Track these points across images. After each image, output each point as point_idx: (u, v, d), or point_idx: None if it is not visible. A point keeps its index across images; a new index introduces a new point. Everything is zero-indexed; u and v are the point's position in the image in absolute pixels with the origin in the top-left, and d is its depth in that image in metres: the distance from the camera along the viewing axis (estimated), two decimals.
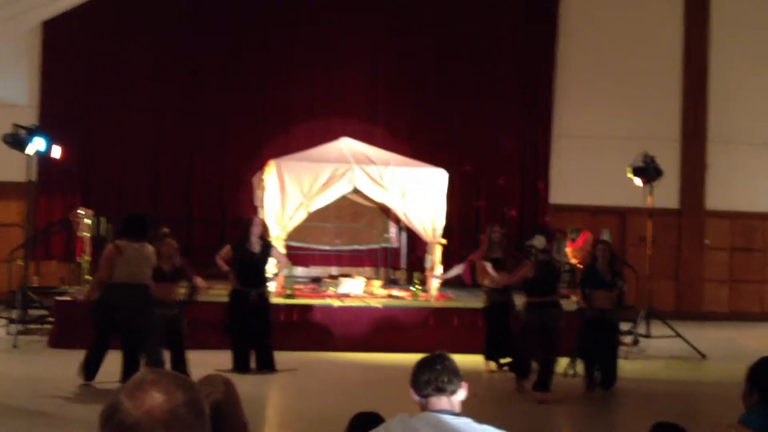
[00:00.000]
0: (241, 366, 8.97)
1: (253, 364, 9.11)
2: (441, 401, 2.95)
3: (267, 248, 9.44)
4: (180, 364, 8.40)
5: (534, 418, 7.84)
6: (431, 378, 2.96)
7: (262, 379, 8.69)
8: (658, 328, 12.22)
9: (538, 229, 9.77)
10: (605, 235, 16.51)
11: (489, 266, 9.41)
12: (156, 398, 1.57)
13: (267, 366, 9.16)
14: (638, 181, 12.82)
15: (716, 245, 17.34)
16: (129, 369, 7.70)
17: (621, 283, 8.98)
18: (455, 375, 3.00)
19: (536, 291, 8.68)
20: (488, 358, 9.84)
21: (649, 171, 12.56)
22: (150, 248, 8.27)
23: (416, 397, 3.03)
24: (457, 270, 10.46)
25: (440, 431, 2.83)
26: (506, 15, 16.95)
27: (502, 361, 9.70)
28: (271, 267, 10.06)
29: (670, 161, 15.64)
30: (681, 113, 17.41)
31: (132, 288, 7.99)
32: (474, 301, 11.73)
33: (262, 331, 9.22)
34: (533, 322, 8.59)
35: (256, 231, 9.25)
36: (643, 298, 12.92)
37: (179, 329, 8.55)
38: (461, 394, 3.02)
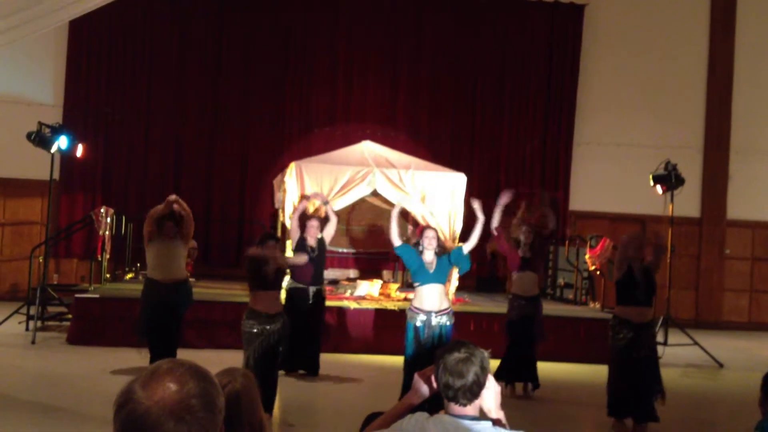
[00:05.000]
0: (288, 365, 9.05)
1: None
2: (464, 408, 2.88)
3: (323, 245, 9.51)
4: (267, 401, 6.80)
5: (548, 420, 7.82)
6: (455, 389, 2.84)
7: (280, 379, 8.74)
8: (676, 337, 12.15)
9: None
10: None
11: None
12: (168, 388, 1.57)
13: (312, 368, 9.19)
14: (659, 189, 12.75)
15: (736, 255, 17.21)
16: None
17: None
18: (481, 385, 2.85)
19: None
20: (508, 381, 8.68)
21: (670, 179, 12.48)
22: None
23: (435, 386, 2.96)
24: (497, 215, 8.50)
25: None
26: (530, 21, 16.93)
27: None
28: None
29: (691, 170, 15.56)
30: (704, 122, 17.31)
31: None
32: (491, 305, 11.72)
33: (315, 329, 9.25)
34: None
35: (312, 233, 9.34)
36: (662, 306, 12.86)
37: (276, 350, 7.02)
38: (487, 392, 2.92)
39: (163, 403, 1.55)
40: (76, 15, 10.18)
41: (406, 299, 12.28)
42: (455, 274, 11.61)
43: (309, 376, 9.12)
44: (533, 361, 8.78)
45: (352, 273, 15.38)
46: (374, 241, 15.12)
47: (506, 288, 9.02)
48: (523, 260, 8.75)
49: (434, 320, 7.16)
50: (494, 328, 10.46)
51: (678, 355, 11.75)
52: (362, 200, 12.73)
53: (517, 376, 8.78)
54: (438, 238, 7.42)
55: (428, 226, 7.98)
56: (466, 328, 11.17)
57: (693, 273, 16.87)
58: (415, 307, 7.26)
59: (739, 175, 17.08)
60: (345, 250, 15.11)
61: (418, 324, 7.18)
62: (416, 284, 7.30)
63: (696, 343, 12.00)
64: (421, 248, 7.28)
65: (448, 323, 7.25)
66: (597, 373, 10.19)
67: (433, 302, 7.19)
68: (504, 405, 2.98)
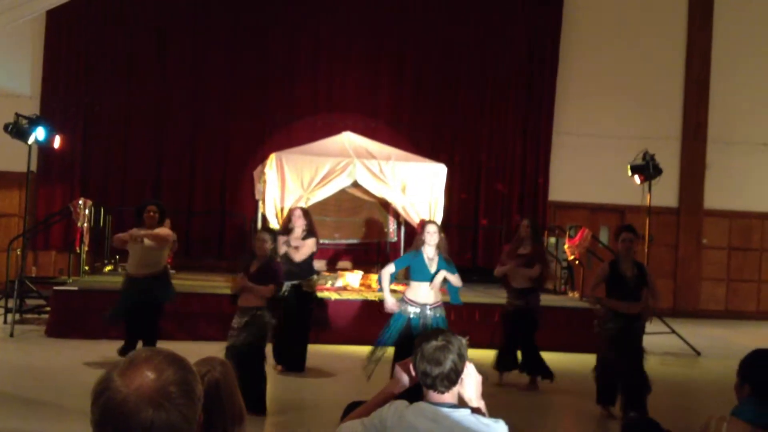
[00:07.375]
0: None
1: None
2: (442, 396, 2.90)
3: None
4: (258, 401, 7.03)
5: (520, 410, 7.88)
6: (433, 377, 2.84)
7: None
8: (653, 325, 12.25)
9: (624, 227, 7.98)
10: (604, 233, 16.59)
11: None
12: (146, 376, 1.57)
13: (296, 366, 9.03)
14: (637, 179, 12.83)
15: (714, 244, 17.37)
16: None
17: (649, 296, 7.58)
18: (458, 373, 2.87)
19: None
20: (502, 370, 8.87)
21: (648, 169, 12.58)
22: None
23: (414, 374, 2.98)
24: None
25: (438, 425, 2.80)
26: (511, 12, 16.94)
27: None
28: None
29: (669, 160, 15.68)
30: (682, 112, 17.43)
31: None
32: (471, 295, 11.77)
33: (300, 327, 9.06)
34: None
35: (299, 223, 9.12)
36: None
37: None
38: (468, 380, 2.94)
39: (141, 390, 1.55)
40: (53, 5, 10.09)
41: None
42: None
43: (291, 371, 9.05)
44: (534, 351, 8.75)
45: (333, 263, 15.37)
46: (355, 231, 15.14)
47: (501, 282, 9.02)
48: (522, 257, 8.79)
49: (429, 312, 7.29)
50: (475, 317, 10.51)
51: (656, 343, 11.82)
52: (342, 191, 12.73)
53: (509, 365, 8.80)
54: (439, 233, 7.40)
55: (430, 221, 7.96)
56: (446, 317, 11.20)
57: (671, 262, 17.02)
58: (410, 299, 7.35)
59: (716, 165, 17.23)
60: (326, 241, 15.08)
61: (412, 315, 7.28)
62: (414, 281, 7.36)
63: (674, 332, 12.11)
64: (422, 243, 7.31)
65: (442, 315, 7.38)
66: (578, 361, 10.28)
67: (428, 296, 7.32)
68: (486, 394, 3.00)
